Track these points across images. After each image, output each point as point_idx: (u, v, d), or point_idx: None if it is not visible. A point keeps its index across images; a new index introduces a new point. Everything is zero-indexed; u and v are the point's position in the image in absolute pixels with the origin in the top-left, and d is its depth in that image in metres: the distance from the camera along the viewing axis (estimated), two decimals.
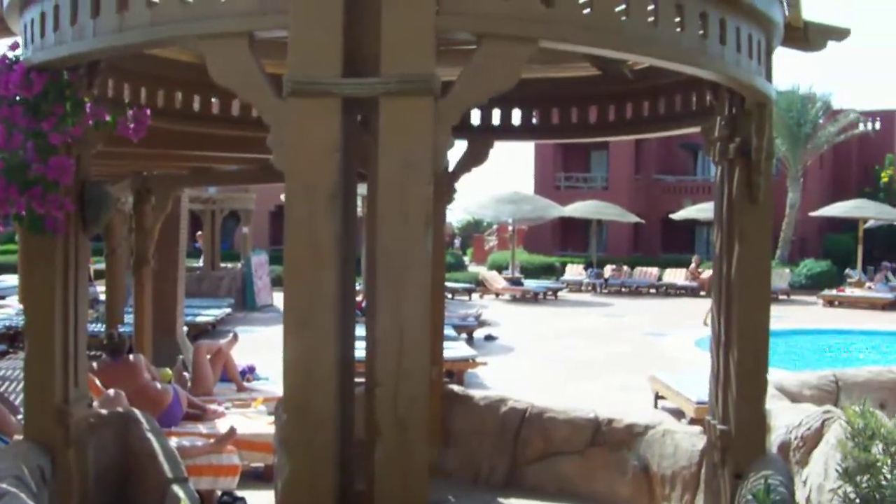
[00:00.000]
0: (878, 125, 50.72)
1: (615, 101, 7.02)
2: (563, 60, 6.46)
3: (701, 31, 4.14)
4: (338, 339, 3.65)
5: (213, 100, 6.90)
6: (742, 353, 5.02)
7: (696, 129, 5.93)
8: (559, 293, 33.96)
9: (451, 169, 7.58)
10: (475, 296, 32.20)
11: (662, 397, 13.16)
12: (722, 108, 5.24)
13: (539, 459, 7.49)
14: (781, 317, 26.03)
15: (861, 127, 46.76)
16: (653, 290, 36.21)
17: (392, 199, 3.58)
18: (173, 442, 6.64)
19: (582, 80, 7.05)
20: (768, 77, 4.92)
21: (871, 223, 37.27)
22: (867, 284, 33.84)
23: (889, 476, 4.13)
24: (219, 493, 7.52)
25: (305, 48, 3.55)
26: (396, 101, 3.54)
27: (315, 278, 3.59)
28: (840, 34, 5.47)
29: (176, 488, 5.35)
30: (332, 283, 3.59)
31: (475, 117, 7.52)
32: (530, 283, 34.05)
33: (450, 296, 29.53)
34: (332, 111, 3.57)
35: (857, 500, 4.15)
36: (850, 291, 32.82)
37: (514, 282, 33.51)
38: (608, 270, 37.09)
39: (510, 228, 37.47)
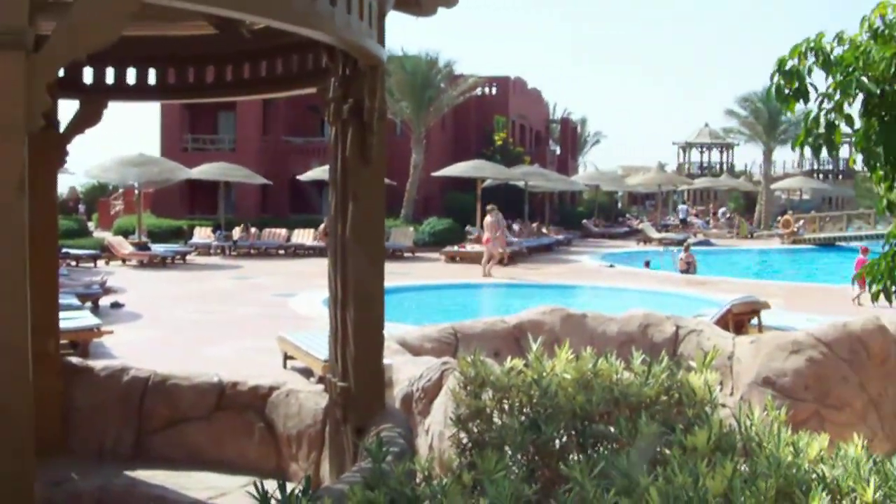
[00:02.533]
0: (494, 90, 54.23)
1: (233, 61, 6.85)
2: (179, 18, 6.20)
3: None
4: None
5: None
6: (358, 310, 5.12)
7: (312, 90, 5.95)
8: (188, 257, 33.22)
9: (61, 130, 7.06)
10: (101, 262, 30.67)
11: (292, 357, 13.23)
12: (336, 70, 5.27)
13: (165, 428, 7.25)
14: (407, 273, 27.23)
15: (479, 91, 49.75)
16: (282, 252, 36.36)
17: None
18: None
19: (199, 39, 6.80)
20: (381, 40, 5.01)
21: (488, 182, 39.82)
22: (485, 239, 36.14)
23: (497, 420, 4.39)
24: None
25: None
26: None
27: None
28: (450, 1, 5.69)
29: None
30: None
31: (87, 76, 7.05)
32: (158, 248, 33.00)
33: (73, 263, 28.20)
34: None
35: (469, 444, 4.37)
36: (470, 247, 34.86)
37: (141, 247, 32.32)
38: (237, 233, 36.80)
39: (136, 192, 36.02)
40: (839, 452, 3.93)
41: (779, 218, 53.00)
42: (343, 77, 5.20)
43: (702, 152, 77.01)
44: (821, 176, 70.60)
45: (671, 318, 13.73)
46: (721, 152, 76.13)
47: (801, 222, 49.43)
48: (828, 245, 46.25)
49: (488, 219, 30.16)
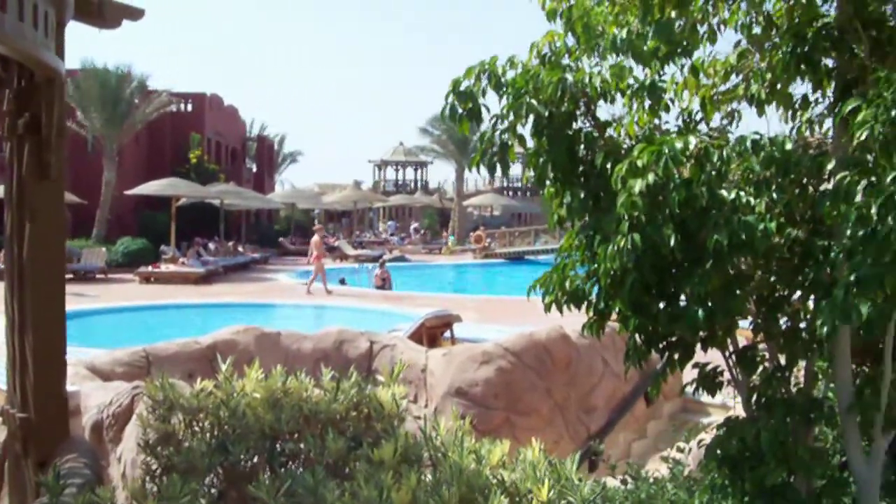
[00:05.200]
0: (190, 106, 52.89)
1: None
2: None
3: None
4: None
5: None
6: (38, 336, 4.83)
7: None
8: None
9: None
10: None
11: None
12: (10, 82, 4.96)
13: None
14: (98, 296, 25.98)
15: (174, 108, 48.33)
16: None
17: None
18: None
19: None
20: (60, 51, 4.77)
21: (183, 201, 38.79)
22: (181, 260, 35.22)
23: (188, 443, 4.29)
24: None
25: None
26: None
27: None
28: (135, 14, 5.52)
29: None
30: None
31: None
32: None
33: None
34: None
35: (159, 470, 4.25)
36: (165, 267, 33.84)
37: None
38: None
39: None
40: (519, 456, 4.16)
41: (471, 234, 55.27)
42: (18, 90, 4.90)
43: (397, 170, 78.97)
44: (510, 193, 74.42)
45: (365, 333, 14.00)
46: (416, 170, 78.42)
47: (493, 237, 51.87)
48: (518, 259, 48.80)
49: (315, 237, 31.64)
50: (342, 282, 32.74)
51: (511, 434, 11.15)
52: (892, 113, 4.52)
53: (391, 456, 3.95)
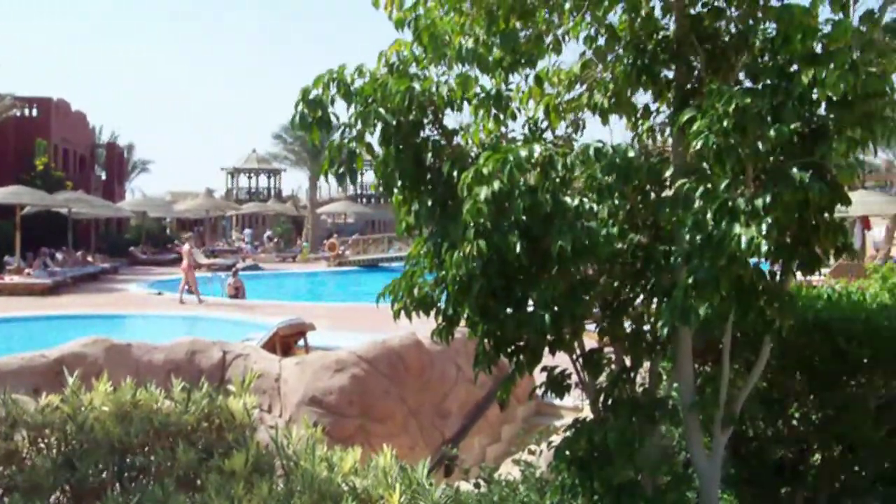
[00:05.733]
0: (35, 111, 50.79)
1: None
2: None
3: None
4: None
5: None
6: None
7: None
8: None
9: None
10: None
11: None
12: None
13: None
14: None
15: (17, 112, 46.31)
16: None
17: None
18: None
19: None
20: None
21: (28, 209, 37.24)
22: (26, 271, 33.82)
23: (32, 461, 4.14)
24: None
25: None
26: None
27: None
28: None
29: None
30: None
31: None
32: None
33: None
34: None
35: (0, 491, 4.09)
36: (9, 279, 32.42)
37: None
38: None
39: None
40: (371, 463, 4.17)
41: (325, 241, 54.97)
42: None
43: (250, 178, 77.88)
44: (364, 200, 74.37)
45: (218, 343, 13.76)
46: (269, 178, 77.51)
47: (346, 245, 51.73)
48: (372, 266, 48.76)
49: (186, 246, 31.23)
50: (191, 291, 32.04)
51: (366, 441, 11.13)
52: (724, 123, 4.72)
53: (242, 466, 3.91)
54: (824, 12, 5.50)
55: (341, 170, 5.90)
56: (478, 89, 5.79)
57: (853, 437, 7.30)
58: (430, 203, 5.80)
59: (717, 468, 6.21)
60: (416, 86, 5.70)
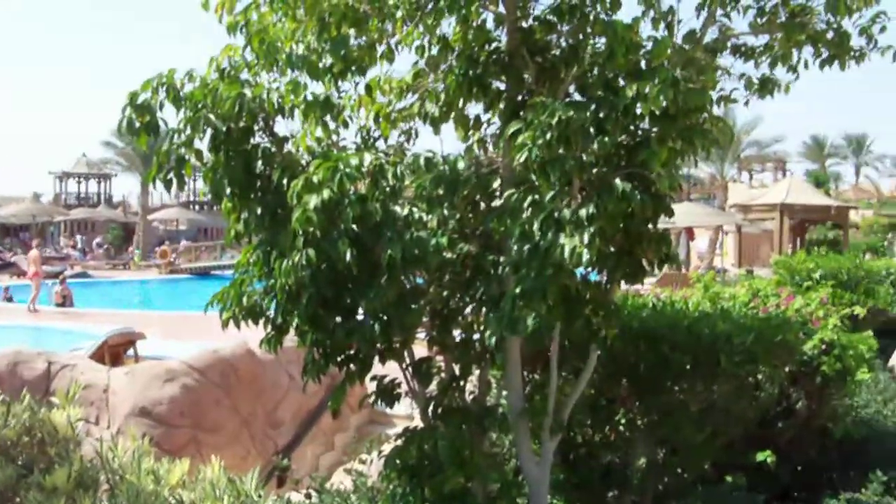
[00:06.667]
0: None
1: None
2: None
3: None
4: None
5: None
6: None
7: None
8: None
9: None
10: None
11: None
12: None
13: None
14: None
15: None
16: None
17: None
18: None
19: None
20: None
21: None
22: None
23: None
24: None
25: None
26: None
27: None
28: None
29: None
30: None
31: None
32: None
33: None
34: None
35: None
36: None
37: None
38: None
39: None
40: (199, 475, 4.06)
41: (156, 248, 53.52)
42: None
43: (79, 182, 75.01)
44: (197, 207, 72.71)
45: (43, 353, 13.19)
46: (99, 183, 74.85)
47: (178, 252, 50.49)
48: (204, 274, 47.69)
49: (34, 252, 30.21)
50: (9, 299, 30.63)
51: (197, 452, 10.88)
52: (548, 136, 4.80)
53: (65, 481, 3.76)
54: (650, 29, 5.71)
55: (170, 176, 5.73)
56: (310, 96, 5.72)
57: (676, 441, 7.57)
58: (259, 211, 5.70)
59: (547, 474, 6.32)
60: (247, 92, 5.59)
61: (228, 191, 5.70)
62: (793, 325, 8.16)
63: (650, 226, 5.68)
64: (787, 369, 8.06)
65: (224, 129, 5.59)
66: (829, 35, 5.97)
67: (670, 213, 5.64)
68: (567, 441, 7.36)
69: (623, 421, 7.81)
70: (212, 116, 5.55)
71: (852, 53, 6.05)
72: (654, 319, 7.56)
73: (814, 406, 8.68)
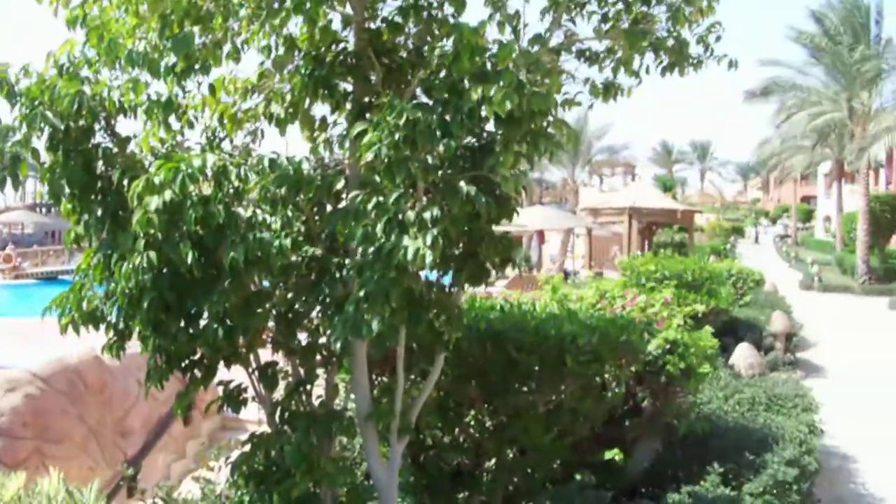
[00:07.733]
0: None
1: None
2: None
3: None
4: None
5: None
6: None
7: None
8: None
9: None
10: None
11: None
12: None
13: None
14: None
15: None
16: None
17: None
18: None
19: None
20: None
21: None
22: None
23: None
24: None
25: None
26: None
27: None
28: None
29: None
30: None
31: None
32: None
33: None
34: None
35: None
36: None
37: None
38: None
39: None
40: (36, 488, 3.91)
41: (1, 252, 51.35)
42: None
43: None
44: (44, 209, 69.99)
45: None
46: None
47: (24, 256, 48.58)
48: (51, 279, 46.01)
49: None
50: None
51: (42, 464, 10.46)
52: (395, 136, 4.82)
53: None
54: (496, 33, 5.79)
55: (3, 175, 5.49)
56: (153, 95, 5.58)
57: (525, 441, 7.69)
58: (100, 213, 5.52)
59: (395, 477, 6.33)
60: (87, 89, 5.42)
61: (68, 191, 5.51)
62: (637, 326, 8.41)
63: (493, 228, 5.75)
64: (632, 369, 8.29)
65: (62, 127, 5.40)
66: (670, 43, 6.18)
67: (512, 217, 5.73)
68: (417, 443, 7.40)
69: (472, 422, 7.90)
70: (49, 114, 5.35)
71: (691, 61, 6.28)
72: (502, 321, 7.66)
73: (659, 404, 8.97)
